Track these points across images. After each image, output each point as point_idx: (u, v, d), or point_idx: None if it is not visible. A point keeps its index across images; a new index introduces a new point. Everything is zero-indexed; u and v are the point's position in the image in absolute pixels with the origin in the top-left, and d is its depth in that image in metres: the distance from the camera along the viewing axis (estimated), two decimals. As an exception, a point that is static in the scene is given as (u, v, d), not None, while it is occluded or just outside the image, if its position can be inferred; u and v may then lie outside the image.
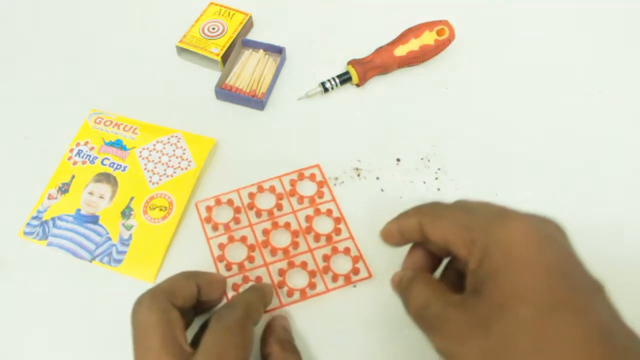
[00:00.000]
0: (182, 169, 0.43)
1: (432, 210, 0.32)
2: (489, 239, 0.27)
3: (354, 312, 0.38)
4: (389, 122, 0.47)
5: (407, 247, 0.41)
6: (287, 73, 0.51)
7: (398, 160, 0.45)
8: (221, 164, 0.45)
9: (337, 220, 0.42)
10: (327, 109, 0.48)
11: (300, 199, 0.43)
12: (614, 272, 0.40)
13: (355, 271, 0.39)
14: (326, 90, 0.48)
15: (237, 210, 0.42)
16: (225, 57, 0.50)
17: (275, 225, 0.41)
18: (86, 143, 0.45)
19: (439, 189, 0.43)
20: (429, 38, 0.49)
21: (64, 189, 0.43)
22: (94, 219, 0.42)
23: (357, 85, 0.49)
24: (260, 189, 0.43)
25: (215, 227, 0.41)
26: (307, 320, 0.38)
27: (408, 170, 0.45)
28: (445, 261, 0.34)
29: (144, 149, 0.44)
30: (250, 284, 0.39)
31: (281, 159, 0.45)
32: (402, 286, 0.32)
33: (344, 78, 0.48)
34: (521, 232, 0.27)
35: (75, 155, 0.44)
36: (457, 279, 0.32)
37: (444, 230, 0.30)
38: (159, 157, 0.44)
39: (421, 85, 0.50)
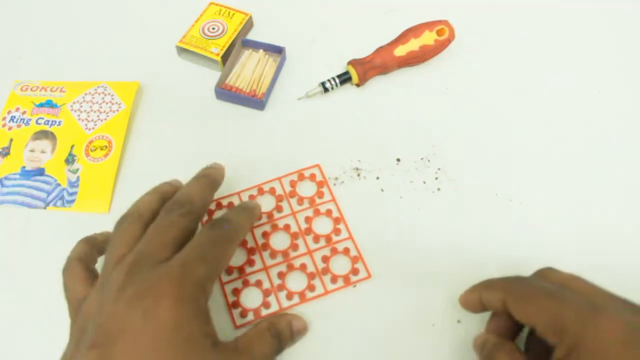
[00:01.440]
0: (113, 112, 0.47)
1: (518, 289, 0.31)
2: (579, 336, 0.27)
3: (353, 313, 0.38)
4: (389, 122, 0.47)
5: (404, 252, 0.41)
6: (287, 73, 0.51)
7: (398, 160, 0.45)
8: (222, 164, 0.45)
9: (337, 221, 0.42)
10: (327, 109, 0.48)
11: (300, 200, 0.43)
12: (615, 274, 0.40)
13: (355, 272, 0.39)
14: (326, 90, 0.48)
15: None
16: (225, 57, 0.50)
17: (274, 227, 0.41)
18: (17, 109, 0.48)
19: (439, 189, 0.43)
20: (429, 38, 0.49)
21: (4, 152, 0.46)
22: (40, 172, 0.45)
23: (357, 85, 0.49)
24: (261, 191, 0.43)
25: None
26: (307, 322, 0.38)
27: (408, 170, 0.45)
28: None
29: (74, 102, 0.48)
30: (249, 288, 0.39)
31: (281, 158, 0.45)
32: (484, 353, 0.32)
33: (344, 78, 0.48)
34: (614, 337, 0.26)
35: (9, 122, 0.47)
36: (542, 350, 0.31)
37: (531, 315, 0.30)
38: (90, 107, 0.47)
39: (421, 85, 0.50)
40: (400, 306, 0.38)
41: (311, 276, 0.39)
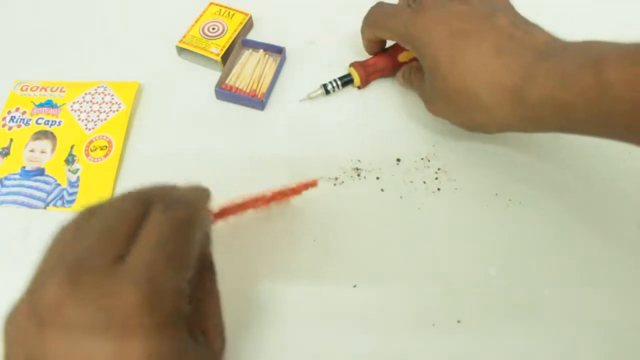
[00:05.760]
0: (113, 112, 0.47)
1: (370, 18, 0.45)
2: (411, 37, 0.40)
3: (355, 317, 0.38)
4: (389, 122, 0.47)
5: (404, 252, 0.41)
6: (287, 73, 0.51)
7: (398, 160, 0.45)
8: (221, 164, 0.45)
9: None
10: (327, 110, 0.48)
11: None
12: (615, 274, 0.40)
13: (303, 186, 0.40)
14: (327, 92, 0.48)
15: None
16: (225, 57, 0.50)
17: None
18: (17, 109, 0.48)
19: (439, 189, 0.44)
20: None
21: (4, 152, 0.46)
22: (39, 172, 0.45)
23: (359, 87, 0.49)
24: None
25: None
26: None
27: (408, 170, 0.45)
28: None
29: (74, 102, 0.48)
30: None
31: (281, 159, 0.45)
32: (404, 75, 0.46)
33: (346, 80, 0.48)
34: (433, 28, 0.38)
35: (9, 122, 0.47)
36: None
37: (385, 35, 0.45)
38: (90, 107, 0.47)
39: (421, 86, 0.50)
40: (400, 306, 0.39)
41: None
